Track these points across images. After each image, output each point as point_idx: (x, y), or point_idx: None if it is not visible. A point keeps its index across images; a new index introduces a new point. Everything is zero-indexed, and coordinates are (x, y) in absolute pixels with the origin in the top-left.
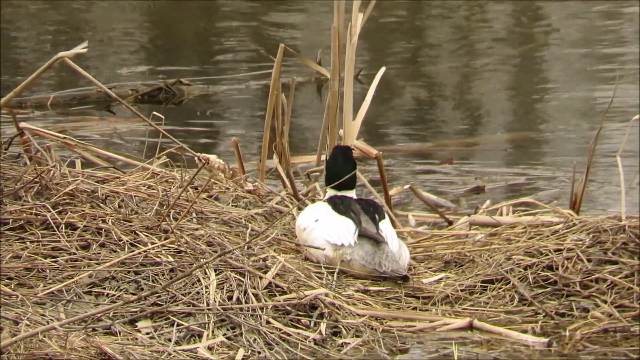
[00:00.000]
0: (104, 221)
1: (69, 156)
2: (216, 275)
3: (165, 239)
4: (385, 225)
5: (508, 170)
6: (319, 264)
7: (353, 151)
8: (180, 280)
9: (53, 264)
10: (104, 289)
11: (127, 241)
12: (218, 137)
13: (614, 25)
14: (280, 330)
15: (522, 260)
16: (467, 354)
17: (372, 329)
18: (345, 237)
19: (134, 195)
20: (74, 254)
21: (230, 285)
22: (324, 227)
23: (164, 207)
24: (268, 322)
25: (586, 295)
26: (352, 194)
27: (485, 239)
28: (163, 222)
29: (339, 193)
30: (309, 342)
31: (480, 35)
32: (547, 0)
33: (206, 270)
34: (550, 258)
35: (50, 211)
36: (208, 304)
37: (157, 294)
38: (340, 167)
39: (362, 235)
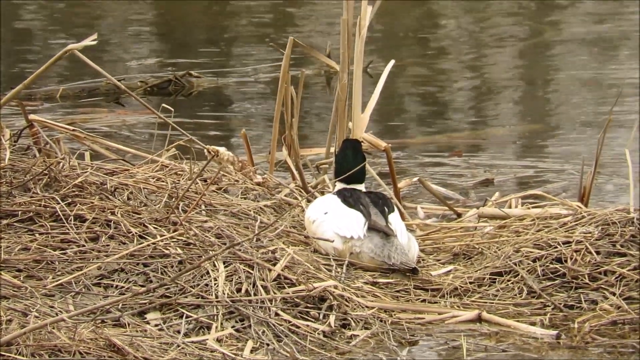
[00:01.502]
0: (112, 213)
1: (78, 148)
2: (225, 267)
3: (174, 231)
4: (394, 218)
5: (517, 163)
6: (327, 256)
7: (362, 144)
8: (189, 272)
9: (62, 256)
10: (113, 280)
11: (136, 233)
12: (227, 130)
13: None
14: (289, 322)
15: (531, 252)
16: (476, 346)
17: (381, 321)
18: (354, 229)
19: (143, 188)
20: (83, 246)
21: (239, 277)
22: (333, 219)
23: (173, 199)
24: (277, 314)
25: (595, 287)
26: (361, 187)
27: (493, 231)
28: (172, 214)
29: (349, 186)
30: (318, 334)
31: (490, 29)
32: None
33: (215, 262)
34: (559, 250)
35: (59, 203)
36: (217, 296)
37: (165, 286)
38: (350, 160)
39: (372, 228)
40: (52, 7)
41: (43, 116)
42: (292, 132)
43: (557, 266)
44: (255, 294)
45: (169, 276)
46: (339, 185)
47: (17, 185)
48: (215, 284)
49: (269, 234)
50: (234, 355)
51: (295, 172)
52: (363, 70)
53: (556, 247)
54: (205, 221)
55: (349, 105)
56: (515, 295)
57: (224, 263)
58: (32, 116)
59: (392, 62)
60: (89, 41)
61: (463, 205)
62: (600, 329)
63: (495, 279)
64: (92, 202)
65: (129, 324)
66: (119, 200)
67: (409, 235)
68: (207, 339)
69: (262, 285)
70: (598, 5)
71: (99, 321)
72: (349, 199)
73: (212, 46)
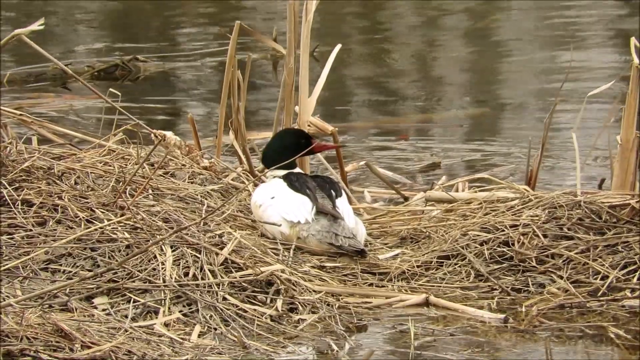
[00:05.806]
0: (60, 198)
1: (25, 133)
2: (172, 251)
3: (121, 216)
4: (341, 202)
5: (464, 146)
6: (275, 240)
7: (309, 127)
8: (136, 257)
9: (9, 240)
10: (60, 265)
11: (83, 218)
12: (174, 114)
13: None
14: (237, 306)
15: (478, 236)
16: (424, 330)
17: (328, 305)
18: (301, 214)
19: (90, 172)
20: (30, 230)
21: (187, 261)
22: (280, 204)
23: (120, 183)
24: (224, 299)
25: (542, 270)
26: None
27: (441, 214)
28: (119, 199)
29: (294, 170)
30: (265, 318)
31: (437, 12)
32: None
33: (162, 246)
34: (506, 234)
35: (6, 188)
36: (164, 281)
37: (113, 271)
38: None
39: (319, 211)
40: None
41: None
42: (238, 116)
43: (504, 249)
44: (202, 278)
45: (117, 261)
46: (279, 172)
47: None
48: (162, 269)
49: (216, 218)
50: (181, 340)
51: (242, 156)
52: (310, 54)
53: (503, 231)
54: (153, 205)
55: (296, 89)
56: (463, 278)
57: (171, 247)
58: None
59: (339, 46)
60: (36, 26)
61: (410, 189)
62: (548, 313)
63: (443, 262)
64: (40, 187)
65: (76, 309)
66: (66, 184)
67: (356, 219)
68: (155, 324)
69: (209, 270)
70: None
71: (47, 306)
72: (295, 182)
73: (159, 31)
